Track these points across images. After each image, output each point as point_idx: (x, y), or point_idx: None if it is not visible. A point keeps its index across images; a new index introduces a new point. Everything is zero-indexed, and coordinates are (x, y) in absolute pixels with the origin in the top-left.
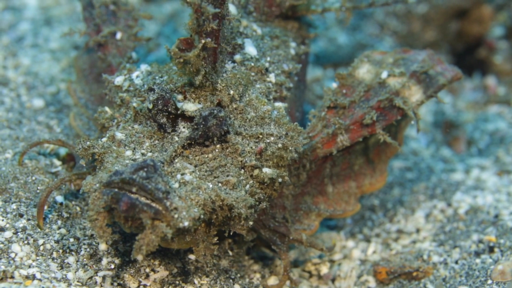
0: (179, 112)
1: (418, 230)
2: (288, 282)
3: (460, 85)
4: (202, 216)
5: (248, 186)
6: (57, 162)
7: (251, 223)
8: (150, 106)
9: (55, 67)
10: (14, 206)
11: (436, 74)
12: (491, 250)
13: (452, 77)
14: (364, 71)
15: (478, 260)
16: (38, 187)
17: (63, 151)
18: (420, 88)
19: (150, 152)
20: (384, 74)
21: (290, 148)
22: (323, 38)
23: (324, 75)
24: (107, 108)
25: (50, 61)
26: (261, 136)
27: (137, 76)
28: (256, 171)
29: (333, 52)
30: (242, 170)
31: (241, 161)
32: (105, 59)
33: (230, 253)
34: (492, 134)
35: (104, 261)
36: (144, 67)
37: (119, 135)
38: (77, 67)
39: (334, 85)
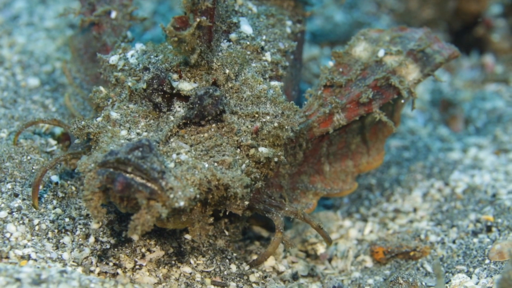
0: (174, 91)
1: (415, 210)
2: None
3: (458, 64)
4: (197, 196)
5: (244, 165)
6: (52, 142)
7: (247, 202)
8: (145, 86)
9: (50, 46)
10: (9, 185)
11: (433, 52)
12: (488, 229)
13: (449, 55)
14: (360, 49)
15: (475, 240)
16: (33, 167)
17: (58, 130)
18: (417, 67)
19: (146, 131)
20: (381, 53)
21: (286, 127)
22: (320, 16)
23: (321, 54)
24: (102, 88)
25: (45, 40)
26: (257, 115)
27: (132, 55)
28: (252, 151)
29: (329, 31)
30: (238, 150)
31: (237, 141)
32: (100, 38)
33: (227, 233)
34: (489, 113)
35: (99, 241)
36: (139, 46)
37: (114, 115)
38: (73, 46)
39: (331, 63)
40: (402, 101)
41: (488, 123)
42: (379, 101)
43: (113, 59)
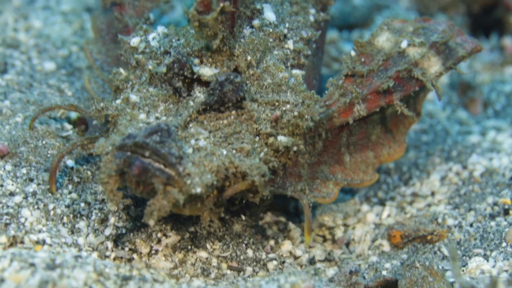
0: (195, 76)
1: (433, 193)
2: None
3: None
4: (215, 183)
5: (262, 153)
6: (68, 126)
7: (265, 193)
8: (166, 70)
9: (66, 30)
10: (24, 170)
11: (456, 45)
12: (506, 212)
13: (472, 49)
14: (383, 39)
15: (493, 223)
16: (49, 151)
17: (74, 115)
18: (439, 60)
19: (165, 116)
20: (404, 44)
21: (306, 117)
22: None
23: (340, 37)
24: (121, 70)
25: (61, 24)
26: (277, 104)
27: (154, 38)
28: (271, 139)
29: (348, 13)
30: (257, 138)
31: (256, 128)
32: (122, 19)
33: (243, 217)
34: (508, 96)
35: (115, 225)
36: (160, 29)
37: (134, 98)
38: (95, 27)
39: (353, 53)
40: (424, 93)
41: (507, 105)
42: (400, 93)
43: (134, 41)
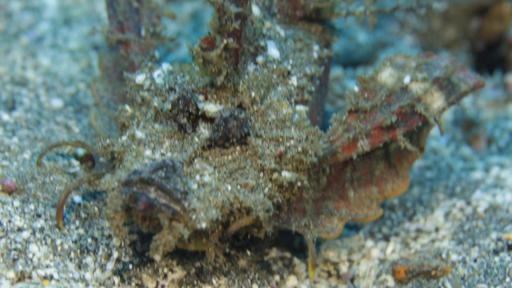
0: (200, 112)
1: (437, 229)
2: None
3: None
4: (219, 218)
5: (266, 189)
6: (75, 162)
7: (269, 229)
8: (171, 106)
9: (74, 67)
10: (32, 206)
11: (458, 80)
12: (510, 248)
13: (474, 84)
14: (386, 75)
15: (496, 258)
16: (56, 187)
17: (81, 151)
18: (442, 95)
19: (170, 152)
20: (406, 79)
21: (310, 152)
22: (343, 36)
23: (344, 74)
24: (127, 107)
25: (69, 61)
26: (281, 139)
27: (159, 75)
28: (275, 175)
29: (352, 51)
30: (261, 173)
31: (261, 164)
32: (128, 57)
33: (248, 253)
34: None
35: (121, 261)
36: (165, 66)
37: (139, 134)
38: (101, 65)
39: (356, 88)
40: (427, 128)
41: (511, 142)
42: (404, 128)
43: (140, 78)
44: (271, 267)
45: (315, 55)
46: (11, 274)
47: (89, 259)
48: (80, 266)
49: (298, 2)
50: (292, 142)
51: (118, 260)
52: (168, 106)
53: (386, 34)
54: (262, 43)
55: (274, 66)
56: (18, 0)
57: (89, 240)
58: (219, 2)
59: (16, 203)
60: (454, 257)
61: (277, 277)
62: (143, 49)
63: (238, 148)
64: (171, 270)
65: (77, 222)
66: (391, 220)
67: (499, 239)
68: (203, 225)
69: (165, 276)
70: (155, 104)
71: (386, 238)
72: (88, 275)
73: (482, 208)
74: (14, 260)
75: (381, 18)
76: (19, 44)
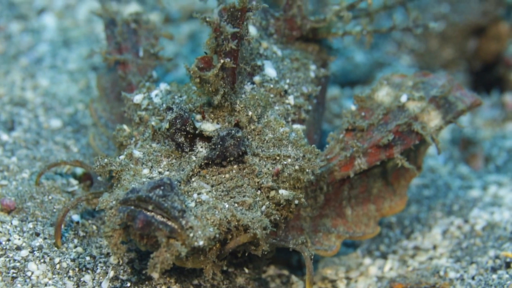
0: (197, 131)
1: (435, 247)
2: None
3: None
4: (217, 236)
5: (264, 207)
6: (74, 182)
7: (265, 248)
8: (168, 125)
9: (73, 88)
10: (30, 225)
11: (455, 99)
12: (507, 265)
13: (471, 103)
14: (383, 94)
15: (494, 276)
16: (55, 206)
17: (79, 170)
18: (439, 114)
19: (168, 170)
20: (403, 98)
21: (307, 170)
22: (340, 56)
23: (341, 94)
24: (125, 126)
25: (68, 82)
26: (278, 158)
27: (156, 95)
28: (272, 193)
29: (350, 71)
30: (259, 191)
31: (258, 182)
32: (125, 77)
33: (246, 270)
34: (510, 151)
35: (119, 278)
36: (163, 86)
37: (137, 153)
38: (100, 85)
39: (353, 107)
40: (424, 146)
41: (509, 161)
42: (401, 146)
43: (137, 98)
44: (269, 284)
45: (312, 74)
46: None
47: (87, 277)
48: (79, 284)
49: (295, 22)
50: (289, 160)
51: (116, 278)
52: (165, 125)
53: (384, 54)
54: (259, 62)
55: (271, 86)
56: (18, 22)
57: (88, 258)
58: (215, 22)
59: (15, 222)
60: (452, 274)
61: None
62: (141, 69)
63: (235, 166)
64: None
65: (76, 241)
66: (389, 238)
67: (497, 257)
68: (201, 243)
69: None
70: (153, 123)
71: (384, 256)
72: None
73: (480, 226)
74: (13, 278)
75: (378, 38)
76: (18, 65)
